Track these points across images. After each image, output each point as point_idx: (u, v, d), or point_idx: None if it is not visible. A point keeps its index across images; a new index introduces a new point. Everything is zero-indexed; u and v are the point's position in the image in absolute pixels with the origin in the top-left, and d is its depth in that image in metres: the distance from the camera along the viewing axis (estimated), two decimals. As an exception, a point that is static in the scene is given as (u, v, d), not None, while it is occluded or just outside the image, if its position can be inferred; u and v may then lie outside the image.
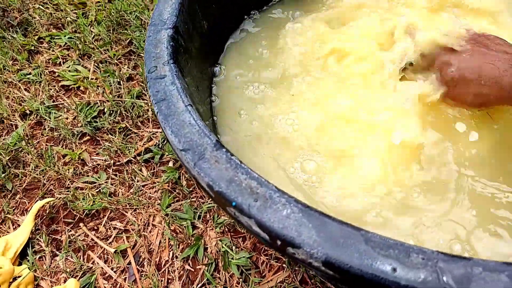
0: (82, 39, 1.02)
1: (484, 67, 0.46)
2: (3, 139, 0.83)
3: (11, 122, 0.86)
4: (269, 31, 0.64)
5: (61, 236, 0.68)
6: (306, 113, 0.53)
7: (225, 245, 0.63)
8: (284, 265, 0.60)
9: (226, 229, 0.65)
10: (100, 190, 0.72)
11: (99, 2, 1.14)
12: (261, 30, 0.65)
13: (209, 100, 0.58)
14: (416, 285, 0.25)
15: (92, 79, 0.93)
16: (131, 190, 0.72)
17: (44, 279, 0.64)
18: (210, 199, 0.50)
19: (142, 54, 0.96)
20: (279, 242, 0.29)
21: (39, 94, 0.91)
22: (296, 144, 0.50)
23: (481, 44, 0.49)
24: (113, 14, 1.06)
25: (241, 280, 0.59)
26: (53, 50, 1.02)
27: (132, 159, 0.77)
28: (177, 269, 0.62)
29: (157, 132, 0.80)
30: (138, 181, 0.73)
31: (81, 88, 0.92)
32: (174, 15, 0.49)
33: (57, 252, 0.66)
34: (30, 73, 0.96)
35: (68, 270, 0.63)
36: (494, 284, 0.26)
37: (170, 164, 0.75)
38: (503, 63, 0.46)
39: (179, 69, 0.44)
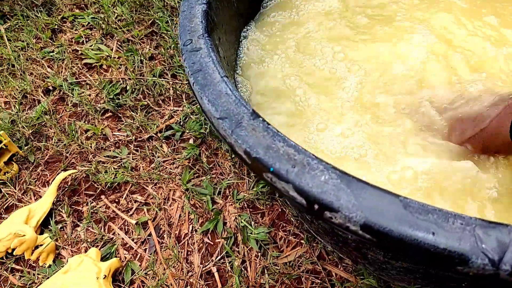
0: (105, 19, 1.02)
1: None
2: (26, 113, 0.83)
3: (34, 97, 0.86)
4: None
5: (82, 208, 0.68)
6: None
7: (244, 220, 0.63)
8: (302, 241, 0.61)
9: (246, 205, 0.65)
10: (121, 164, 0.72)
11: (121, -17, 1.14)
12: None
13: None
14: (454, 249, 0.26)
15: (114, 57, 0.93)
16: (152, 165, 0.72)
17: (65, 248, 0.65)
18: (247, 167, 0.50)
19: (164, 35, 0.96)
20: (316, 206, 0.29)
21: (62, 71, 0.91)
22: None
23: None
24: (135, -5, 1.06)
25: (259, 254, 0.60)
26: (76, 30, 1.02)
27: (153, 135, 0.77)
28: (197, 241, 0.62)
29: (178, 110, 0.80)
30: (158, 157, 0.73)
31: (104, 66, 0.92)
32: (207, -10, 0.49)
33: (79, 223, 0.66)
34: (53, 51, 0.96)
35: (89, 240, 0.64)
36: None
37: (191, 141, 0.75)
38: None
39: (213, 42, 0.44)
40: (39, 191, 0.73)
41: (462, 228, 0.26)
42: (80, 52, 0.96)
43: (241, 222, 0.63)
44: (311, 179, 0.30)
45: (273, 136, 0.33)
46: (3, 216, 0.69)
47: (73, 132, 0.78)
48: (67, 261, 0.60)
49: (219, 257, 0.60)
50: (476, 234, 0.26)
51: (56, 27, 1.03)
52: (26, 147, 0.77)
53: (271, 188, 0.58)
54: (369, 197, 0.28)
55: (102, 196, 0.69)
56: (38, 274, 0.62)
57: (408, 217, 0.27)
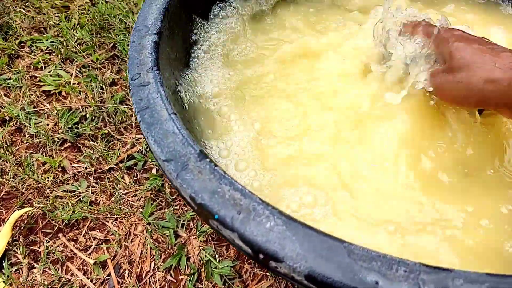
0: (64, 43, 1.01)
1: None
2: (-19, 146, 0.81)
3: (-11, 128, 0.84)
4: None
5: (39, 248, 0.66)
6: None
7: (208, 254, 0.62)
8: (267, 273, 0.60)
9: (210, 238, 0.64)
10: (80, 199, 0.71)
11: (82, 5, 1.13)
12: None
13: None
14: (398, 299, 0.26)
15: (74, 84, 0.92)
16: (113, 199, 0.71)
17: (21, 291, 0.63)
18: (193, 211, 0.50)
19: (126, 59, 0.95)
20: (261, 256, 0.29)
21: (19, 100, 0.89)
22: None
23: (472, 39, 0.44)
24: (96, 17, 1.05)
25: (224, 291, 0.59)
26: (34, 55, 1.00)
27: (114, 166, 0.76)
28: (159, 280, 0.61)
29: (141, 138, 0.79)
30: (120, 189, 0.72)
31: (63, 93, 0.91)
32: (159, 20, 0.49)
33: (35, 264, 0.64)
34: (10, 78, 0.94)
35: (45, 282, 0.62)
36: (475, 296, 0.26)
37: (154, 171, 0.74)
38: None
39: (163, 76, 0.44)
40: (-7, 230, 0.70)
41: (405, 276, 0.26)
42: (38, 78, 0.94)
43: (205, 256, 0.62)
44: (256, 227, 0.30)
45: (220, 179, 0.33)
46: (-49, 259, 0.67)
47: (30, 165, 0.76)
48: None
49: (182, 296, 0.59)
50: (420, 281, 0.26)
51: (13, 52, 1.01)
52: (-21, 183, 0.75)
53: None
54: (314, 245, 0.28)
55: (60, 234, 0.68)
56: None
57: (352, 266, 0.27)
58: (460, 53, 0.43)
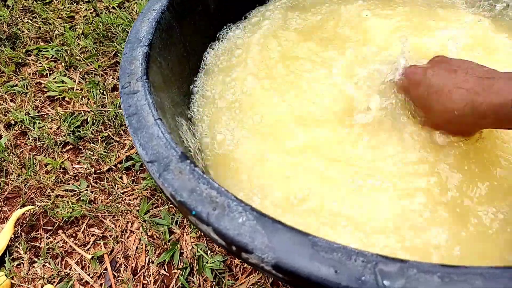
0: (69, 52, 1.02)
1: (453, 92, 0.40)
2: (-13, 148, 0.83)
3: (-4, 132, 0.86)
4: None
5: (40, 243, 0.68)
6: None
7: (201, 249, 0.64)
8: (258, 269, 0.62)
9: (202, 234, 0.66)
10: (80, 197, 0.72)
11: (86, 16, 1.15)
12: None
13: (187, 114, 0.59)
14: (356, 286, 0.27)
15: (77, 89, 0.93)
16: (111, 197, 0.72)
17: (21, 285, 0.64)
18: (175, 208, 0.51)
19: (121, 61, 0.97)
20: (234, 248, 0.31)
21: (24, 105, 0.91)
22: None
23: (443, 63, 0.44)
24: (100, 27, 1.07)
25: (214, 283, 0.60)
26: (40, 62, 1.02)
27: (113, 167, 0.77)
28: (153, 274, 0.62)
29: (138, 142, 0.81)
30: (118, 189, 0.73)
31: (66, 98, 0.93)
32: (151, 32, 0.51)
33: (35, 259, 0.66)
34: (16, 85, 0.96)
35: (45, 276, 0.63)
36: (427, 284, 0.27)
37: (149, 173, 0.75)
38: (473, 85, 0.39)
39: (152, 85, 0.45)
40: (-2, 228, 0.72)
41: (363, 266, 0.28)
42: (43, 85, 0.96)
43: (198, 251, 0.63)
44: (229, 222, 0.31)
45: (198, 179, 0.34)
46: (-41, 255, 0.68)
47: (32, 166, 0.77)
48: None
49: (174, 289, 0.61)
50: (376, 271, 0.28)
51: (20, 60, 1.03)
52: (-15, 183, 0.77)
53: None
54: (282, 238, 0.30)
55: (60, 231, 0.69)
56: (-8, 314, 0.61)
57: (315, 256, 0.28)
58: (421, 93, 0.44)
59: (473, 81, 0.39)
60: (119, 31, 1.06)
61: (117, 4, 1.14)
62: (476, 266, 0.28)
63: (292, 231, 0.30)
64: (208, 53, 0.64)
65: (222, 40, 0.66)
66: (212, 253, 0.64)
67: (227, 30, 0.67)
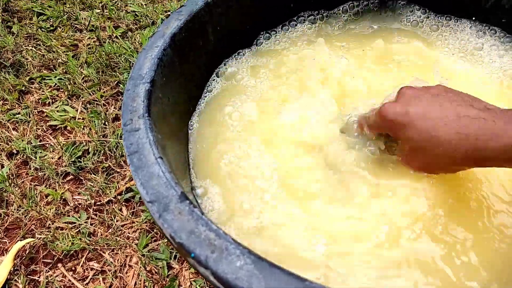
0: (71, 80, 1.05)
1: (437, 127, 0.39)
2: (-12, 178, 0.84)
3: (-3, 161, 0.88)
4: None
5: (39, 277, 0.69)
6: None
7: (199, 285, 0.64)
8: (255, 307, 0.62)
9: (201, 270, 0.66)
10: (79, 230, 0.73)
11: (90, 44, 1.19)
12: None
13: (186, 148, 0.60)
14: (351, 335, 0.28)
15: (79, 119, 0.96)
16: (110, 230, 0.73)
17: (20, 319, 0.65)
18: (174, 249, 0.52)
19: (123, 98, 0.99)
20: (232, 292, 0.31)
21: (26, 134, 0.93)
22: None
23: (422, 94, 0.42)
24: (103, 56, 1.10)
25: (213, 322, 0.60)
26: (43, 91, 1.05)
27: (113, 198, 0.78)
28: (151, 310, 0.63)
29: (139, 173, 0.82)
30: (117, 221, 0.74)
31: (68, 128, 0.95)
32: (153, 69, 0.53)
33: (34, 293, 0.67)
34: (19, 113, 0.99)
35: (44, 311, 0.64)
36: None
37: (150, 204, 0.77)
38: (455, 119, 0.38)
39: (153, 122, 0.47)
40: (-4, 260, 0.73)
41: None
42: (45, 113, 0.98)
43: (196, 287, 0.64)
44: (227, 265, 0.32)
45: (197, 220, 0.36)
46: (-44, 288, 0.69)
47: (33, 197, 0.79)
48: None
49: (172, 326, 0.61)
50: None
51: (23, 88, 1.06)
52: (-15, 214, 0.78)
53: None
54: (279, 282, 0.31)
55: (59, 264, 0.70)
56: None
57: (311, 303, 0.29)
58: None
59: (469, 124, 0.38)
60: (122, 61, 1.09)
61: (120, 34, 1.17)
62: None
63: (289, 276, 0.31)
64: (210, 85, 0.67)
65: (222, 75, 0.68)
66: (212, 289, 0.64)
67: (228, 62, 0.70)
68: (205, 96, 0.66)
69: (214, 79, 0.68)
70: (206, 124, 0.62)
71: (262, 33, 0.71)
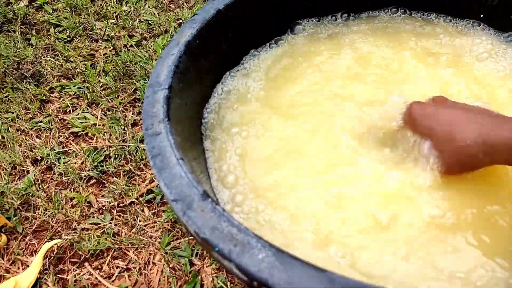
0: (90, 89, 1.08)
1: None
2: (16, 184, 0.87)
3: (23, 168, 0.91)
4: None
5: (67, 276, 0.71)
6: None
7: (221, 281, 0.66)
8: (274, 299, 0.63)
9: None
10: (104, 230, 0.76)
11: (106, 54, 1.21)
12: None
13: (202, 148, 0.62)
14: (370, 321, 0.29)
15: (99, 125, 0.98)
16: (133, 230, 0.75)
17: (51, 317, 0.67)
18: (198, 244, 0.54)
19: (143, 104, 1.02)
20: (255, 283, 0.33)
21: (49, 141, 0.96)
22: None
23: (449, 102, 0.46)
24: (119, 65, 1.13)
25: (234, 315, 0.62)
26: (63, 99, 1.08)
27: (135, 200, 0.81)
28: (175, 305, 0.64)
29: (158, 174, 0.84)
30: (140, 221, 0.76)
31: (89, 134, 0.97)
32: (170, 76, 0.55)
33: (64, 291, 0.69)
34: (41, 121, 1.02)
35: (73, 308, 0.66)
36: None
37: (170, 204, 0.79)
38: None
39: (173, 126, 0.48)
40: (27, 261, 0.75)
41: (379, 301, 0.30)
42: (67, 121, 1.01)
43: (218, 283, 0.65)
44: (250, 258, 0.34)
45: (219, 217, 0.37)
46: (-10, 289, 0.72)
47: (59, 201, 0.81)
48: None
49: (196, 320, 0.63)
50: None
51: (44, 97, 1.09)
52: (14, 218, 0.81)
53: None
54: (299, 273, 0.32)
55: (86, 263, 0.72)
56: None
57: (331, 292, 0.30)
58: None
59: (485, 118, 0.41)
60: (138, 69, 1.11)
61: (135, 43, 1.20)
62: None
63: (309, 267, 0.32)
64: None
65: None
66: (232, 285, 0.66)
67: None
68: (218, 98, 0.67)
69: (227, 79, 0.69)
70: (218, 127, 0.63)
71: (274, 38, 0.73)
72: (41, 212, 0.81)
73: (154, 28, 1.23)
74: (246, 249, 0.34)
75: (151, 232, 0.75)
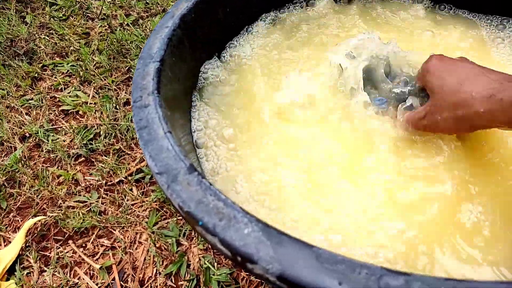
0: (83, 67, 1.05)
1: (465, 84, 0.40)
2: (2, 161, 0.84)
3: (11, 145, 0.88)
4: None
5: (50, 253, 0.68)
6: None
7: (207, 261, 0.64)
8: (263, 280, 0.61)
9: (209, 246, 0.66)
10: (90, 209, 0.73)
11: (101, 32, 1.18)
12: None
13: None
14: (359, 299, 0.27)
15: (91, 104, 0.95)
16: (120, 209, 0.73)
17: (32, 294, 0.65)
18: (182, 218, 0.51)
19: (133, 76, 0.99)
20: (239, 258, 0.31)
21: (39, 118, 0.93)
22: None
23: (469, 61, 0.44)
24: (114, 43, 1.09)
25: (219, 296, 0.60)
26: (55, 77, 1.04)
27: (124, 179, 0.78)
28: (160, 285, 0.62)
29: (148, 155, 0.82)
30: (127, 200, 0.74)
31: (80, 112, 0.94)
32: (162, 49, 0.52)
33: (45, 268, 0.66)
34: (32, 99, 0.99)
35: (54, 285, 0.64)
36: (431, 298, 0.27)
37: (159, 185, 0.76)
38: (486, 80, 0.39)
39: (163, 99, 0.46)
40: (9, 237, 0.73)
41: (367, 278, 0.28)
42: (58, 99, 0.98)
43: (205, 263, 0.63)
44: (235, 232, 0.31)
45: (205, 190, 0.35)
46: (-29, 263, 0.69)
47: (45, 178, 0.79)
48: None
49: (180, 300, 0.61)
50: (380, 283, 0.27)
51: (36, 75, 1.06)
52: (-1, 194, 0.78)
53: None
54: (286, 249, 0.30)
55: (70, 241, 0.70)
56: (2, 322, 0.61)
57: (318, 268, 0.28)
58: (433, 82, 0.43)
59: (498, 76, 0.39)
60: (133, 47, 1.08)
61: (131, 22, 1.16)
62: (481, 281, 0.28)
63: (296, 243, 0.30)
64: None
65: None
66: (219, 266, 0.64)
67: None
68: (210, 74, 0.65)
69: (221, 56, 0.66)
70: (211, 103, 0.61)
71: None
72: (26, 189, 0.78)
73: (152, 7, 1.19)
74: (231, 223, 0.32)
75: (139, 212, 0.72)
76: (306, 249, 0.30)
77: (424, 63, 0.46)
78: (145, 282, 0.63)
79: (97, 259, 0.67)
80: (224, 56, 0.67)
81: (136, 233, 0.69)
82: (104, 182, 0.77)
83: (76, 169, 0.81)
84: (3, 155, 0.86)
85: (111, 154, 0.82)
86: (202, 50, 0.62)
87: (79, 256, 0.67)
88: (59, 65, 1.08)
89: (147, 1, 1.22)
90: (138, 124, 0.43)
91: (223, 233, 0.31)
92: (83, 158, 0.83)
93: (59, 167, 0.81)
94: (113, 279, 0.64)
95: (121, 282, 0.63)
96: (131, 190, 0.76)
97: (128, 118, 0.89)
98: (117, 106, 0.92)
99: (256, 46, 0.66)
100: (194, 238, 0.67)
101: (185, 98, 0.57)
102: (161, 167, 0.37)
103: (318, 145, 0.50)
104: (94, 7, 1.25)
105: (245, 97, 0.59)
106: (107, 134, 0.86)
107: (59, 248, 0.69)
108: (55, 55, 1.12)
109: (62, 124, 0.91)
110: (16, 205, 0.76)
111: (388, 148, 0.48)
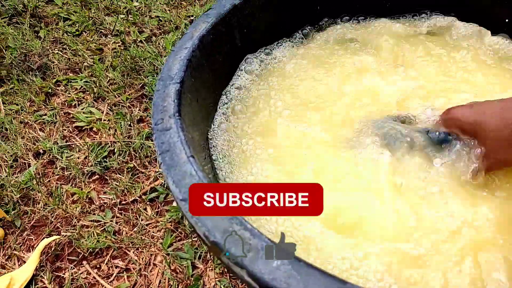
0: (97, 83, 1.06)
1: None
2: (16, 177, 0.85)
3: (25, 161, 0.88)
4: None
5: (64, 274, 0.68)
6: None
7: (224, 286, 0.63)
8: (279, 308, 0.60)
9: (225, 270, 0.65)
10: (105, 228, 0.73)
11: (115, 48, 1.19)
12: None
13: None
14: None
15: (104, 120, 0.96)
16: (135, 229, 0.73)
17: (46, 315, 0.64)
18: (207, 247, 0.51)
19: (153, 98, 1.00)
20: (268, 293, 0.30)
21: (53, 134, 0.94)
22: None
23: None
24: (128, 60, 1.11)
25: (237, 323, 0.59)
26: (69, 93, 1.06)
27: (138, 198, 0.78)
28: (175, 309, 0.62)
29: (163, 173, 0.82)
30: (142, 220, 0.74)
31: (94, 129, 0.95)
32: (182, 70, 0.52)
33: (60, 289, 0.66)
34: (45, 114, 1.00)
35: (69, 307, 0.64)
36: None
37: (174, 203, 0.76)
38: None
39: (184, 121, 0.46)
40: (24, 256, 0.73)
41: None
42: (71, 115, 0.99)
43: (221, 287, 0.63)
44: (263, 265, 0.31)
45: (231, 219, 0.35)
46: (-15, 283, 0.69)
47: (59, 196, 0.79)
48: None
49: (197, 326, 0.60)
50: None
51: (49, 90, 1.07)
52: (13, 212, 0.78)
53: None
54: (318, 284, 0.29)
55: (84, 262, 0.70)
56: None
57: (352, 306, 0.28)
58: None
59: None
60: (146, 64, 1.09)
61: (144, 38, 1.18)
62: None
63: (327, 277, 0.30)
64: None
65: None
66: (235, 290, 0.63)
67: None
68: (230, 95, 0.65)
69: (239, 76, 0.66)
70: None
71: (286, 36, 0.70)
72: (41, 207, 0.78)
73: (165, 25, 1.21)
74: (260, 255, 0.32)
75: (153, 232, 0.72)
76: (337, 284, 0.29)
77: (448, 118, 0.47)
78: (161, 306, 0.63)
79: (111, 281, 0.66)
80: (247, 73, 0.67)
81: (151, 255, 0.69)
82: (118, 201, 0.78)
83: (90, 187, 0.81)
84: (17, 171, 0.87)
85: (125, 172, 0.83)
86: (222, 71, 0.62)
87: (94, 277, 0.67)
88: (72, 80, 1.09)
89: (160, 18, 1.23)
90: (160, 148, 0.43)
91: (251, 266, 0.31)
92: (97, 176, 0.83)
93: (73, 185, 0.82)
94: (128, 302, 0.63)
95: (136, 306, 0.63)
96: (145, 209, 0.76)
97: (142, 135, 0.89)
98: (131, 123, 0.93)
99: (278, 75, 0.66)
100: (210, 261, 0.67)
101: (204, 120, 0.58)
102: (185, 194, 0.37)
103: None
104: (107, 23, 1.27)
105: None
106: (121, 152, 0.87)
107: (73, 269, 0.68)
108: (69, 71, 1.14)
109: (76, 140, 0.92)
110: (30, 223, 0.76)
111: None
